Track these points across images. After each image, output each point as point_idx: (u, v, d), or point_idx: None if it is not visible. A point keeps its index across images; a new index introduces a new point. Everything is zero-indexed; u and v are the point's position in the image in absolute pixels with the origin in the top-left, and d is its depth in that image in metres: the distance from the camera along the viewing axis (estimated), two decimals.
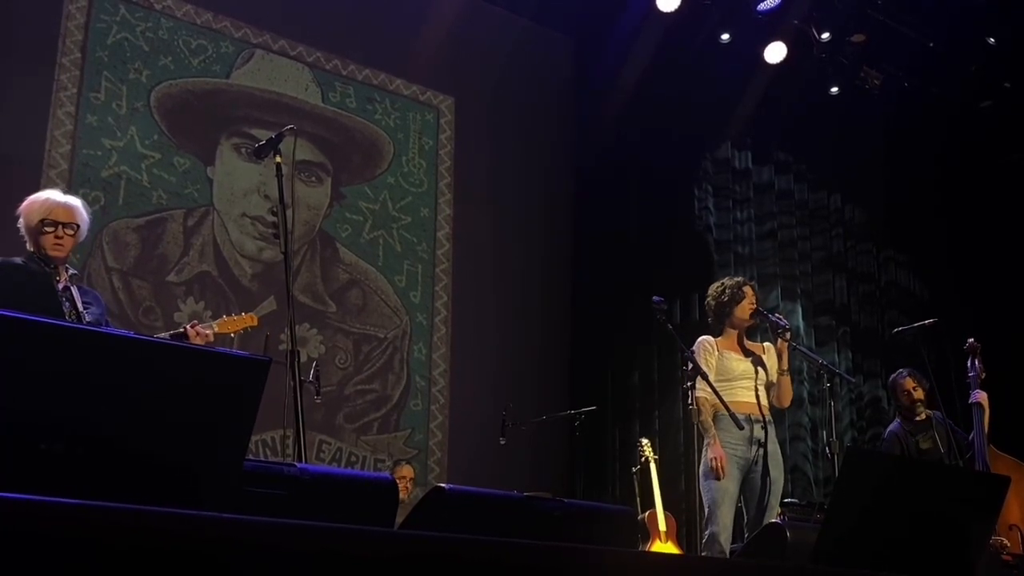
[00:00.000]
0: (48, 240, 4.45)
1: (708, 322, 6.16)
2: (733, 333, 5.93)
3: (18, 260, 4.46)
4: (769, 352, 5.93)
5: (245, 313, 5.34)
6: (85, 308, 4.41)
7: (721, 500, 5.58)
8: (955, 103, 9.88)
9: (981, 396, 6.40)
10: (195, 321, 5.04)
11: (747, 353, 5.89)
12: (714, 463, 5.54)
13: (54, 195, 4.60)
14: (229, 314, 7.73)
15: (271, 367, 2.28)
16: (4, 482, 1.63)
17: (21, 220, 4.52)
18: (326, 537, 1.78)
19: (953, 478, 3.76)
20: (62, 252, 4.52)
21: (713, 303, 6.01)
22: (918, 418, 6.72)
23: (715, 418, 5.67)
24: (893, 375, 7.07)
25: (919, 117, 10.00)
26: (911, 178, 10.01)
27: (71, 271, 4.56)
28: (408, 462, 8.22)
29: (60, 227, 4.49)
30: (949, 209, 9.94)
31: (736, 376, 5.78)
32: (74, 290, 4.45)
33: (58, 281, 4.43)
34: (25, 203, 4.55)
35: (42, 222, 4.45)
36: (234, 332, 5.15)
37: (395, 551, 1.84)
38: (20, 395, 1.96)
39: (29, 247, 4.51)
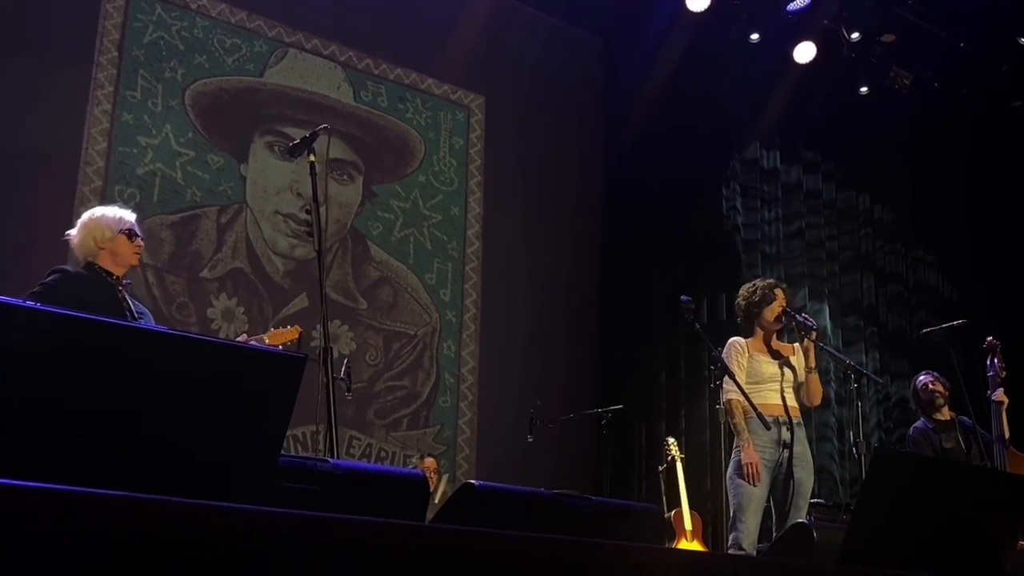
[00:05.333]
0: (130, 249, 4.54)
1: (737, 322, 6.15)
2: (762, 334, 5.92)
3: (80, 270, 4.49)
4: (798, 353, 5.91)
5: (290, 326, 5.45)
6: (139, 317, 4.49)
7: (747, 505, 5.55)
8: (985, 103, 9.83)
9: (1000, 394, 6.39)
10: (244, 335, 5.13)
11: (776, 355, 5.88)
12: (749, 468, 5.52)
13: (123, 209, 4.70)
14: (262, 312, 7.86)
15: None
16: (48, 475, 1.68)
17: (84, 234, 4.52)
18: (359, 530, 1.83)
19: (981, 479, 3.76)
20: (139, 260, 4.69)
21: (744, 303, 5.99)
22: (942, 418, 6.71)
23: (745, 420, 5.65)
24: (916, 376, 7.06)
25: (948, 117, 9.95)
26: (940, 178, 9.97)
27: (127, 281, 4.63)
28: (435, 456, 8.28)
29: (139, 237, 4.61)
30: (978, 210, 9.88)
31: (765, 379, 5.76)
32: (130, 301, 4.53)
33: (120, 291, 4.50)
34: (92, 219, 4.56)
35: (124, 232, 4.53)
36: (281, 344, 5.25)
37: (426, 544, 1.88)
38: (62, 390, 2.01)
39: (88, 259, 4.51)
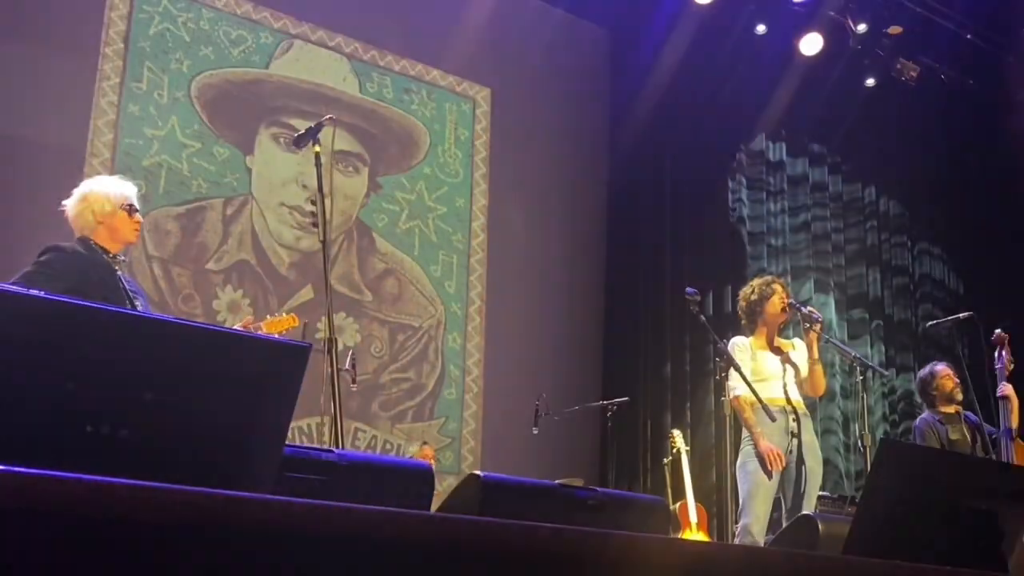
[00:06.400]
0: (130, 226, 4.38)
1: (742, 324, 6.18)
2: (765, 331, 5.98)
3: (75, 247, 4.30)
4: (800, 348, 5.97)
5: (286, 314, 5.42)
6: (134, 296, 4.37)
7: (756, 492, 5.60)
8: (991, 95, 9.81)
9: (1007, 389, 6.39)
10: (250, 317, 5.07)
11: (777, 351, 5.94)
12: (769, 455, 5.56)
13: (124, 182, 4.52)
14: (267, 303, 7.86)
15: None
16: (53, 463, 1.68)
17: (82, 206, 4.35)
18: (364, 520, 1.82)
19: (987, 470, 3.75)
20: (138, 237, 4.54)
21: (744, 304, 6.08)
22: (949, 410, 6.70)
23: (753, 412, 5.71)
24: (928, 366, 7.02)
25: (955, 109, 9.93)
26: (946, 171, 9.95)
27: (122, 258, 4.45)
28: (434, 447, 8.28)
29: (138, 213, 4.47)
30: (985, 202, 9.86)
31: (768, 376, 5.83)
32: (125, 282, 4.36)
33: (116, 270, 4.34)
34: (91, 189, 4.39)
35: (123, 207, 4.35)
36: (279, 332, 5.21)
37: (431, 534, 1.88)
38: (64, 380, 2.00)
39: (84, 235, 4.34)
